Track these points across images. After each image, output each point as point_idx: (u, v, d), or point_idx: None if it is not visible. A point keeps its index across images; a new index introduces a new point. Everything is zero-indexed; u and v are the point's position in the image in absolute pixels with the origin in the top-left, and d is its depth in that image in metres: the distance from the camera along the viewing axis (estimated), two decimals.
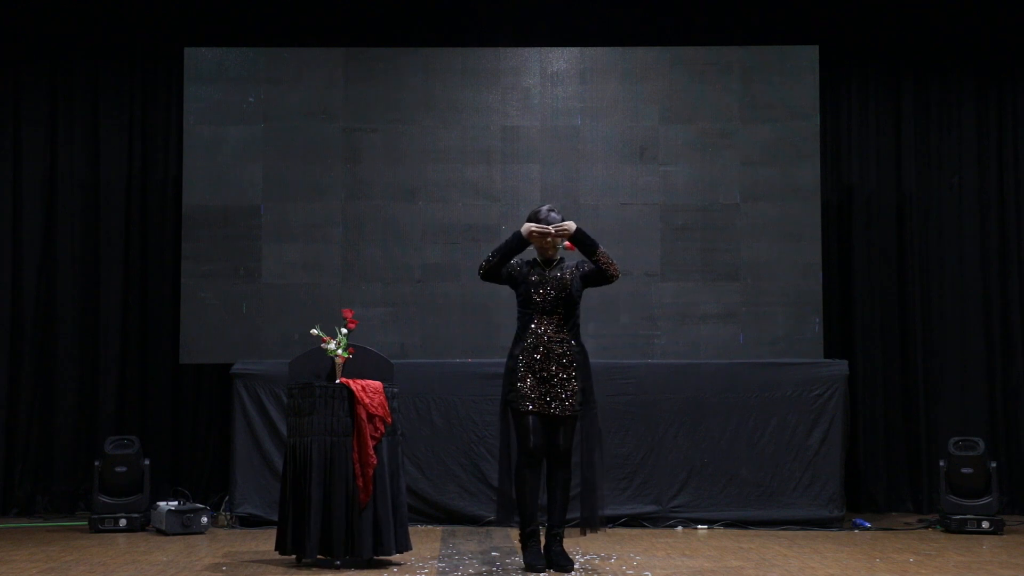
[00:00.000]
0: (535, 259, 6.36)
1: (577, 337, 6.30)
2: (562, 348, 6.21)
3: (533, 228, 6.25)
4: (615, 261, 6.31)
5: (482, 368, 8.17)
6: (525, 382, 6.18)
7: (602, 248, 6.29)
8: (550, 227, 6.23)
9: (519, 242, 6.26)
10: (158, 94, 9.20)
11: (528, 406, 6.16)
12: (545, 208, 6.36)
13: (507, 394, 6.26)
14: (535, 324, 6.23)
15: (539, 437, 6.18)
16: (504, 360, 6.36)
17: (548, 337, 6.22)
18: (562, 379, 6.20)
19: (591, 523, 6.33)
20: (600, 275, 6.30)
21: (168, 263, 9.04)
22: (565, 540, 6.40)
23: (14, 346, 8.95)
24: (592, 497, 6.32)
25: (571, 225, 6.26)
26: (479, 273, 6.34)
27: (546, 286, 6.25)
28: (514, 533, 7.34)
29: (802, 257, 8.64)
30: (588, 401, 6.28)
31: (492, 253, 6.29)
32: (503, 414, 6.32)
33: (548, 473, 6.32)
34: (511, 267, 6.31)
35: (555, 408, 6.18)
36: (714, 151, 8.73)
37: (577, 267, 6.34)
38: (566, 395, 6.19)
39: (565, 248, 6.36)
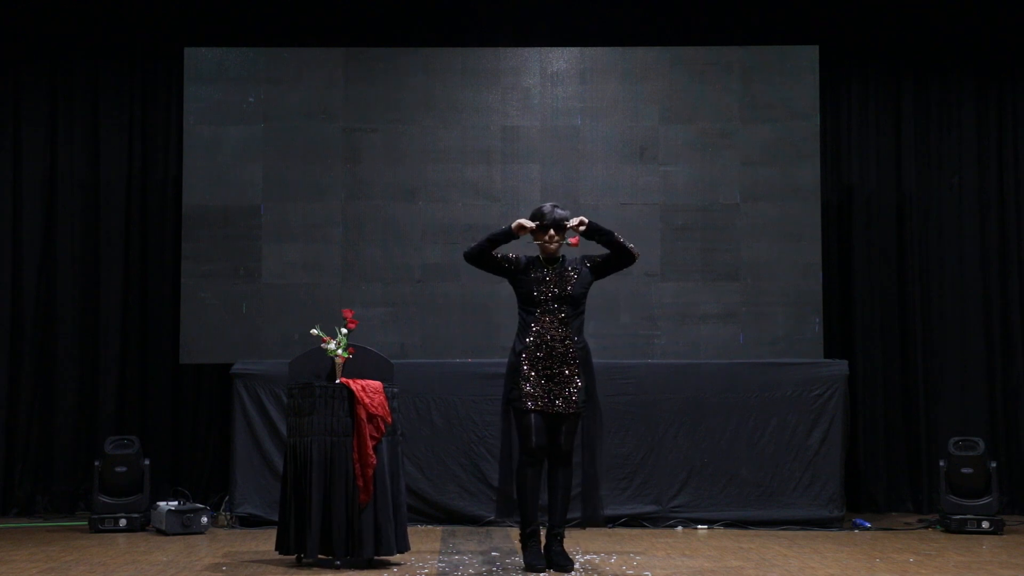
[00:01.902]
0: (538, 256, 6.35)
1: (580, 334, 6.29)
2: (564, 346, 6.21)
3: (524, 223, 6.24)
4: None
5: (482, 368, 8.17)
6: (528, 380, 6.18)
7: (616, 233, 6.31)
8: (532, 223, 6.23)
9: (506, 235, 6.26)
10: (158, 94, 9.20)
11: (530, 405, 6.16)
12: (549, 205, 6.35)
13: (509, 392, 6.26)
14: (537, 322, 6.23)
15: (541, 437, 6.18)
16: (504, 359, 6.36)
17: (551, 335, 6.21)
18: (566, 377, 6.19)
19: (593, 519, 6.33)
20: (620, 256, 6.28)
21: (168, 263, 9.04)
22: (565, 540, 6.39)
23: (14, 346, 8.95)
24: (595, 495, 6.32)
25: (583, 220, 6.26)
26: (464, 253, 6.35)
27: (548, 284, 6.25)
28: (514, 533, 7.34)
29: (802, 257, 8.64)
30: (591, 399, 6.28)
31: (480, 240, 6.32)
32: (505, 413, 6.32)
33: (549, 472, 6.32)
34: (509, 261, 6.30)
35: (559, 405, 6.17)
36: (714, 151, 8.73)
37: (582, 263, 6.33)
38: (570, 392, 6.19)
39: (569, 244, 6.35)
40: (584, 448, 6.35)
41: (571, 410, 6.20)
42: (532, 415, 6.16)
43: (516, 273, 6.30)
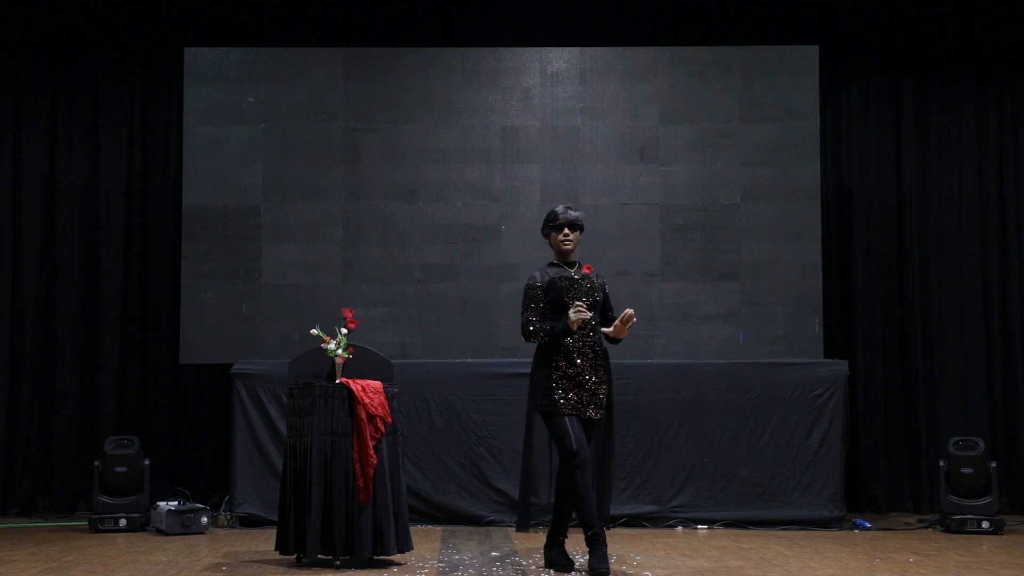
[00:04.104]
0: (553, 262, 6.32)
1: (602, 340, 6.27)
2: (595, 352, 6.17)
3: (576, 319, 6.04)
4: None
5: (482, 368, 8.18)
6: (560, 387, 6.09)
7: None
8: (587, 313, 6.07)
9: (564, 333, 6.09)
10: (158, 94, 9.21)
11: (565, 412, 6.06)
12: (562, 207, 6.32)
13: (541, 399, 6.13)
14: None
15: (580, 436, 6.05)
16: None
17: (581, 341, 6.15)
18: (595, 382, 6.14)
19: (603, 523, 6.27)
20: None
21: (168, 263, 9.04)
22: (565, 539, 6.38)
23: (14, 346, 8.95)
24: (607, 498, 6.28)
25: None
26: (527, 338, 6.19)
27: (575, 291, 6.19)
28: (514, 533, 7.36)
29: (802, 257, 8.65)
30: (610, 403, 6.25)
31: (543, 332, 6.10)
32: (534, 421, 6.19)
33: (560, 476, 6.24)
34: (541, 293, 6.18)
35: (591, 412, 6.13)
36: (714, 151, 8.73)
37: (599, 281, 6.28)
38: (599, 399, 6.16)
39: (581, 271, 6.25)
40: (599, 453, 6.28)
41: (598, 416, 6.17)
42: (567, 418, 6.07)
43: (548, 287, 6.21)
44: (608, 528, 6.33)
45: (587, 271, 6.24)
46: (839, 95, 9.31)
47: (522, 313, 6.22)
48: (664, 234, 8.69)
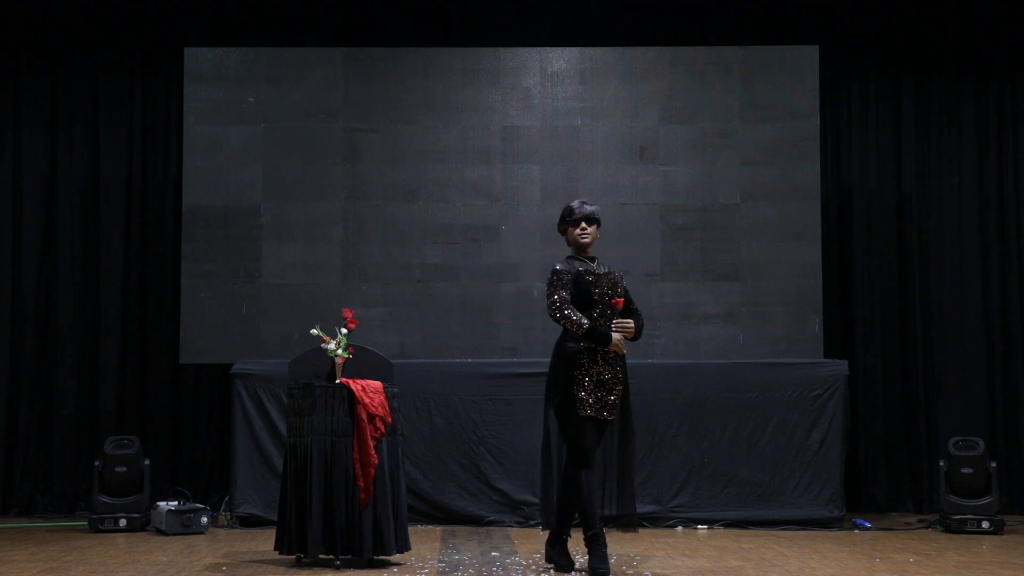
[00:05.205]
0: (572, 256, 6.29)
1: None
2: (615, 351, 6.15)
3: (617, 339, 6.12)
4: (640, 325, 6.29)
5: (482, 368, 8.17)
6: (583, 387, 6.08)
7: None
8: (622, 337, 6.15)
9: (601, 341, 6.09)
10: (158, 94, 9.20)
11: (586, 411, 6.06)
12: (578, 202, 6.30)
13: (563, 397, 6.11)
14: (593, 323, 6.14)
15: (594, 440, 6.09)
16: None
17: None
18: (614, 381, 6.14)
19: (631, 522, 6.26)
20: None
21: (168, 263, 9.03)
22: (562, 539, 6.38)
23: (14, 346, 8.95)
24: (632, 495, 6.26)
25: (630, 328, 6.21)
26: (557, 317, 6.12)
27: (602, 284, 6.19)
28: (515, 533, 7.35)
29: (802, 257, 8.65)
30: (626, 399, 6.24)
31: (578, 326, 6.04)
32: (551, 416, 6.18)
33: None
34: (568, 284, 6.16)
35: (607, 412, 6.13)
36: (714, 151, 8.73)
37: (619, 276, 6.29)
38: (614, 398, 6.14)
39: (614, 305, 6.22)
40: (620, 450, 6.27)
41: (612, 417, 6.17)
42: (585, 419, 6.07)
43: (574, 279, 6.17)
44: (636, 531, 6.36)
45: (617, 304, 6.17)
46: (839, 95, 9.31)
47: (553, 293, 6.12)
48: (664, 234, 8.69)
